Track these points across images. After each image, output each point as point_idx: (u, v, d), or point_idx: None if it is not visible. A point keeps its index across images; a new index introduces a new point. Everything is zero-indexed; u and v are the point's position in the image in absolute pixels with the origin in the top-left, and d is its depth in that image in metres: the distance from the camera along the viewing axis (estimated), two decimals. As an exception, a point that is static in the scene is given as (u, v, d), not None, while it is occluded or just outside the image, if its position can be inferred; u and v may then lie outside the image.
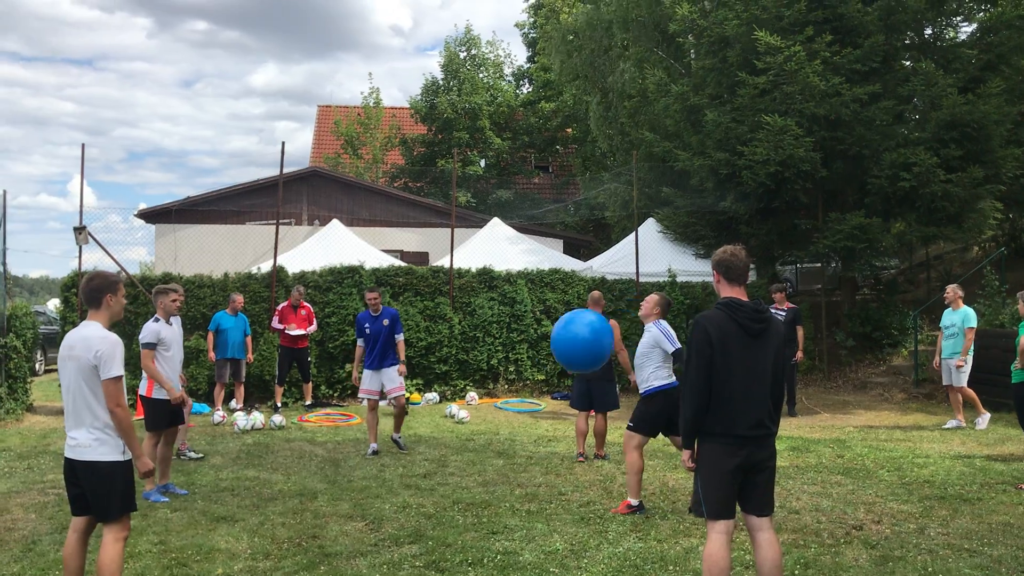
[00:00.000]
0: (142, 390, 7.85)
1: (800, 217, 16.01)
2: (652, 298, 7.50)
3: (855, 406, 13.63)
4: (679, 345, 7.17)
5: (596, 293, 9.47)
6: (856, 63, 14.49)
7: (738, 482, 4.48)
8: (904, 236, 15.59)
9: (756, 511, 4.55)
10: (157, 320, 7.82)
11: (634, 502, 6.99)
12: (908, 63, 16.12)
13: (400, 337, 9.76)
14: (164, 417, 7.80)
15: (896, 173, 14.19)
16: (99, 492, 4.64)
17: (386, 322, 9.60)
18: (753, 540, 4.61)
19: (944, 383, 11.65)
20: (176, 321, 8.08)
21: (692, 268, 16.77)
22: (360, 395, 9.87)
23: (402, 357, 9.76)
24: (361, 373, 9.77)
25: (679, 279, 15.75)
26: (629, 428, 7.20)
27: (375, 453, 9.50)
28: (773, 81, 14.64)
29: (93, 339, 4.68)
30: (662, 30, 19.14)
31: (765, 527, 4.56)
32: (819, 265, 18.54)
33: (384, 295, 14.62)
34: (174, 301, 7.99)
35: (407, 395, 12.96)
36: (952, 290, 11.45)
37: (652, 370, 7.24)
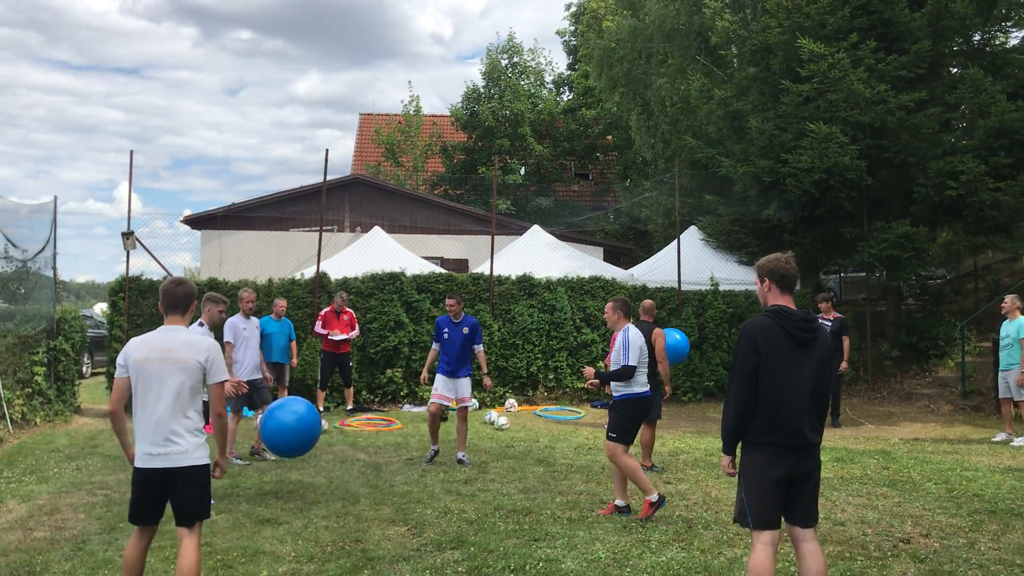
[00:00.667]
0: None
1: (845, 225, 15.83)
2: (608, 305, 7.40)
3: (900, 417, 13.42)
4: (630, 362, 7.02)
5: (648, 302, 9.33)
6: (902, 70, 14.33)
7: (783, 492, 4.44)
8: (951, 245, 15.39)
9: (801, 522, 4.50)
10: (202, 325, 7.98)
11: (621, 503, 7.13)
12: (956, 70, 15.91)
13: (479, 348, 9.58)
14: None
15: (943, 181, 14.00)
16: (193, 497, 4.59)
17: (466, 330, 9.41)
18: (797, 551, 4.56)
19: (1001, 395, 11.38)
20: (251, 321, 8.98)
21: (735, 276, 16.65)
22: (432, 399, 9.59)
23: (484, 369, 9.66)
24: (432, 375, 9.56)
25: (721, 287, 15.65)
26: (611, 439, 7.13)
27: (435, 454, 9.44)
28: (817, 89, 14.51)
29: (201, 343, 4.66)
30: (704, 39, 19.07)
31: (809, 538, 4.50)
32: (863, 274, 18.30)
33: (424, 301, 14.71)
34: (221, 312, 8.15)
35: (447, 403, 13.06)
36: (1011, 300, 11.23)
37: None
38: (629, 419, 7.13)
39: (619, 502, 7.14)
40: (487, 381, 9.59)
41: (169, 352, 4.60)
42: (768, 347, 4.41)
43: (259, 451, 9.60)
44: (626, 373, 7.04)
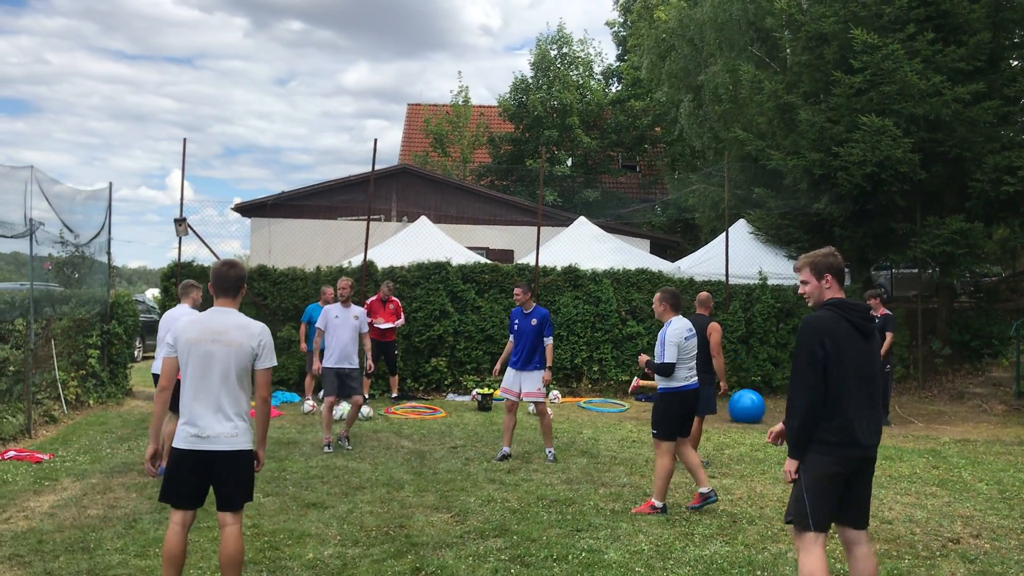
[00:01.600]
0: (156, 369, 8.01)
1: (897, 220, 15.55)
2: (656, 296, 7.28)
3: (951, 416, 13.18)
4: (666, 359, 6.94)
5: (704, 295, 9.13)
6: (960, 62, 14.03)
7: (842, 493, 4.28)
8: (1007, 242, 15.05)
9: (854, 523, 4.36)
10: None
11: (658, 504, 6.97)
12: (1016, 62, 15.52)
13: (549, 341, 9.13)
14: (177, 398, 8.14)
15: (1000, 176, 13.69)
16: (240, 481, 4.58)
17: (534, 322, 9.07)
18: (849, 553, 4.42)
19: None
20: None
21: (784, 271, 16.46)
22: (499, 392, 9.39)
23: (548, 363, 9.14)
24: (504, 368, 9.38)
25: (770, 282, 15.48)
26: (654, 435, 7.09)
27: (505, 457, 9.06)
28: (870, 80, 14.26)
29: (254, 327, 4.63)
30: (757, 27, 18.83)
31: (863, 540, 4.37)
32: (915, 270, 17.98)
33: (469, 291, 14.76)
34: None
35: (491, 391, 13.12)
36: None
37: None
38: (670, 413, 7.04)
39: (656, 502, 7.00)
40: (546, 375, 9.12)
41: (222, 334, 4.56)
42: (835, 342, 4.24)
43: (345, 437, 9.63)
44: (664, 370, 6.96)
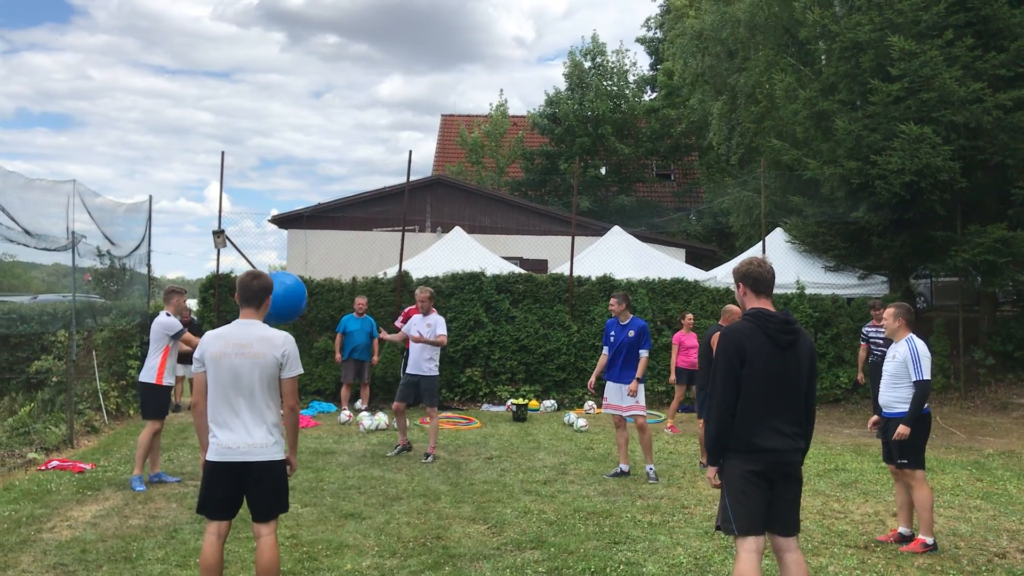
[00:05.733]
0: (149, 378, 8.20)
1: (936, 229, 15.30)
2: (888, 311, 6.72)
3: (994, 428, 12.94)
4: (925, 376, 6.35)
5: (735, 308, 8.75)
6: (1001, 68, 13.80)
7: (766, 499, 4.35)
8: (1052, 250, 14.71)
9: (783, 531, 4.42)
10: (168, 315, 8.30)
11: (929, 540, 6.34)
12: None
13: (644, 353, 8.73)
14: (165, 406, 8.38)
15: (1044, 184, 13.43)
16: (273, 491, 4.60)
17: (631, 333, 8.73)
18: (780, 561, 4.49)
19: None
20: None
21: (821, 280, 16.29)
22: (603, 408, 9.13)
23: (639, 375, 8.70)
24: (599, 381, 9.05)
25: (808, 291, 15.30)
26: (902, 465, 6.58)
27: (620, 474, 8.81)
28: (908, 88, 14.08)
29: (277, 338, 4.64)
30: (792, 33, 18.69)
31: (792, 547, 4.44)
32: (956, 279, 17.70)
33: (504, 302, 14.77)
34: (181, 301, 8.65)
35: (526, 402, 13.10)
36: None
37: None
38: (922, 437, 6.54)
39: (927, 539, 6.36)
40: (632, 385, 8.68)
41: (245, 347, 4.57)
42: (751, 351, 4.34)
43: (432, 453, 9.63)
44: (926, 388, 6.38)
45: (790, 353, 4.39)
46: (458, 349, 14.44)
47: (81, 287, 12.34)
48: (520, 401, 13.09)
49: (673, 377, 12.44)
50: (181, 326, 8.32)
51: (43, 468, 8.67)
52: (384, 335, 10.51)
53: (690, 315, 12.91)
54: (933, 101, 13.88)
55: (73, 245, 10.70)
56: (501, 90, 53.69)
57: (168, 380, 8.33)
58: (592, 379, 9.17)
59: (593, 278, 15.32)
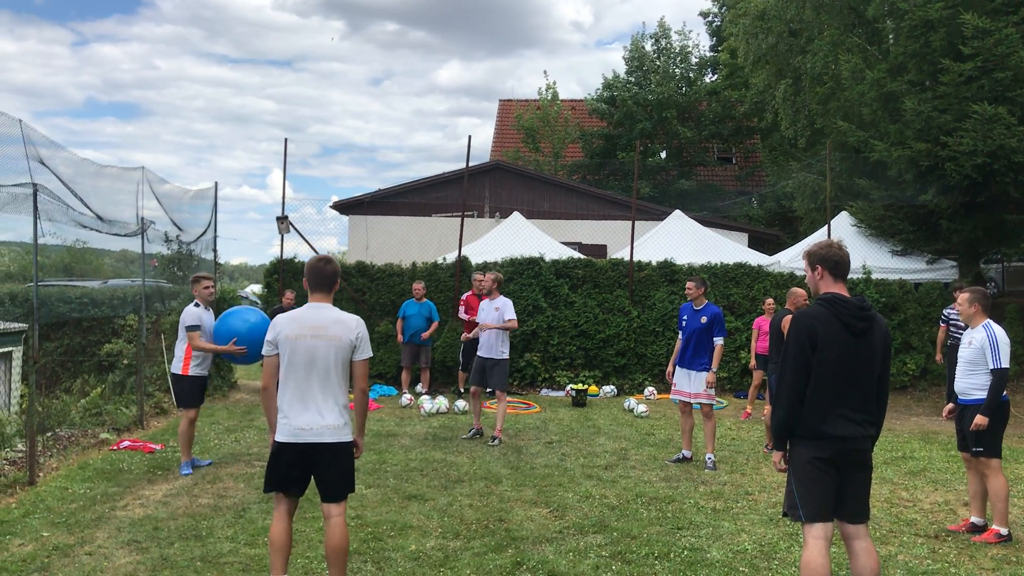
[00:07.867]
0: (176, 369, 8.12)
1: (1010, 212, 14.82)
2: (963, 296, 6.46)
3: (1071, 417, 12.53)
4: (1004, 364, 6.18)
5: (800, 291, 8.71)
6: (1081, 45, 13.30)
7: (835, 486, 4.28)
8: None
9: (851, 518, 4.35)
10: (198, 305, 8.10)
11: (1003, 530, 6.18)
12: None
13: (719, 341, 8.60)
14: (197, 394, 8.14)
15: None
16: (344, 471, 4.66)
17: (704, 319, 8.60)
18: (848, 548, 4.41)
19: None
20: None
21: (888, 264, 15.91)
22: (671, 395, 9.00)
23: (714, 365, 8.58)
24: (674, 368, 8.90)
25: (874, 276, 14.97)
26: (977, 453, 6.33)
27: (682, 460, 8.77)
28: (981, 67, 13.64)
29: (351, 320, 4.73)
30: (858, 12, 18.22)
31: (862, 535, 4.35)
32: (1030, 263, 17.17)
33: (563, 287, 14.72)
34: (207, 288, 8.22)
35: (585, 387, 13.07)
36: None
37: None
38: (1000, 425, 6.36)
39: (1002, 529, 6.18)
40: (709, 376, 8.55)
41: (321, 330, 4.64)
42: (823, 337, 4.24)
43: (499, 436, 9.63)
44: (1004, 377, 6.19)
45: (864, 340, 4.29)
46: (517, 334, 14.46)
47: (148, 272, 12.63)
48: (579, 386, 13.06)
49: (753, 362, 12.26)
50: (196, 319, 7.93)
51: (115, 448, 8.91)
52: (466, 336, 10.71)
53: (770, 299, 12.67)
54: (1008, 80, 13.44)
55: (143, 231, 10.93)
56: (545, 72, 53.73)
57: (196, 371, 8.04)
58: (670, 367, 9.01)
59: (654, 263, 15.18)
